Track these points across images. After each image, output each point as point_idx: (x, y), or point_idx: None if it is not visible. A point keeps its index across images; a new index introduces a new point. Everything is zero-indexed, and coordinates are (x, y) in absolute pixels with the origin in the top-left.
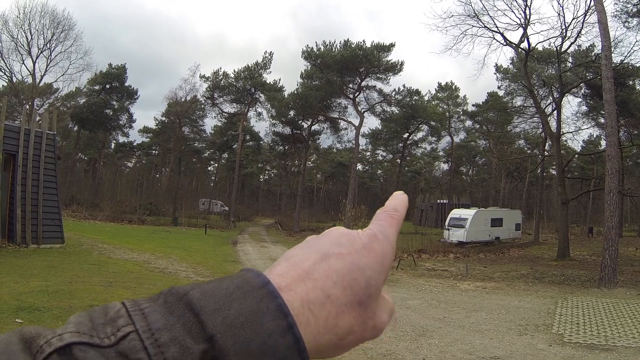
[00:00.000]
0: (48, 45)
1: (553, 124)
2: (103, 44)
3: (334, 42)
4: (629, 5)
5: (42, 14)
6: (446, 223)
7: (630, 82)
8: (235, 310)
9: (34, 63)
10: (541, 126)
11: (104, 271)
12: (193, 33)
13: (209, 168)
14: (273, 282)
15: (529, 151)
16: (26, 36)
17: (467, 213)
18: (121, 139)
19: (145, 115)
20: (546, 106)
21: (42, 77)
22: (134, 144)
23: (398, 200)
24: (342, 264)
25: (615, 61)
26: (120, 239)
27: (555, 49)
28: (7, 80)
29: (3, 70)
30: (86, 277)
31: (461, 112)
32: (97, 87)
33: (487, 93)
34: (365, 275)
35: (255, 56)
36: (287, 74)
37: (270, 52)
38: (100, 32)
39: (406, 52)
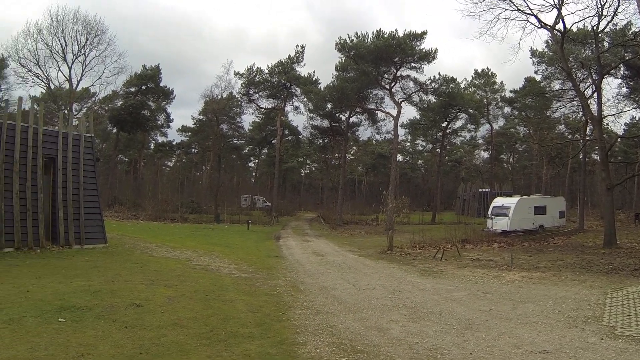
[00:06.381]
0: (82, 50)
1: (593, 107)
2: (123, 46)
3: (366, 33)
4: None
5: (75, 20)
6: (489, 212)
7: None
8: None
9: (70, 69)
10: (581, 110)
11: (146, 270)
12: (210, 29)
13: (249, 164)
14: None
15: (570, 136)
16: (60, 43)
17: (510, 201)
18: (160, 139)
19: (177, 114)
20: (585, 89)
21: (78, 82)
22: (173, 143)
23: None
24: None
25: None
26: (162, 238)
27: (591, 29)
28: (45, 87)
29: (40, 78)
30: (128, 276)
31: (499, 99)
32: (132, 89)
33: (525, 78)
34: None
35: (277, 49)
36: (311, 66)
37: (302, 45)
38: (118, 34)
39: (434, 37)
